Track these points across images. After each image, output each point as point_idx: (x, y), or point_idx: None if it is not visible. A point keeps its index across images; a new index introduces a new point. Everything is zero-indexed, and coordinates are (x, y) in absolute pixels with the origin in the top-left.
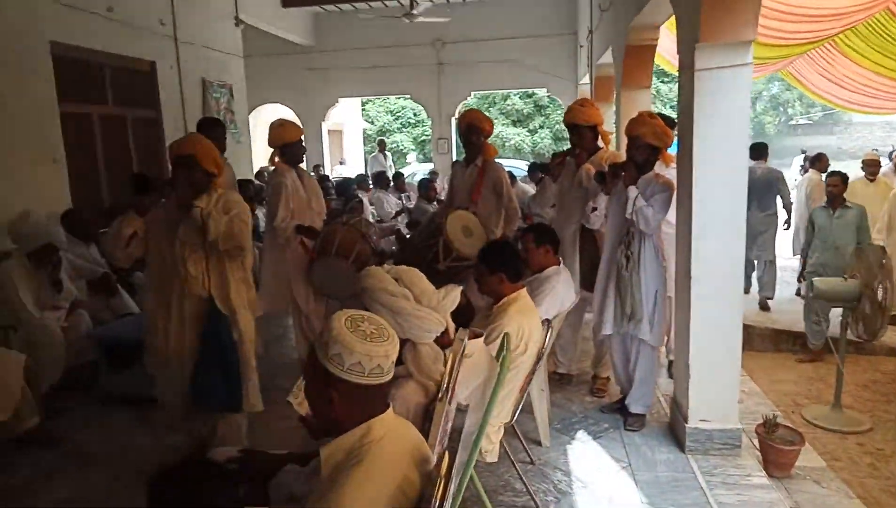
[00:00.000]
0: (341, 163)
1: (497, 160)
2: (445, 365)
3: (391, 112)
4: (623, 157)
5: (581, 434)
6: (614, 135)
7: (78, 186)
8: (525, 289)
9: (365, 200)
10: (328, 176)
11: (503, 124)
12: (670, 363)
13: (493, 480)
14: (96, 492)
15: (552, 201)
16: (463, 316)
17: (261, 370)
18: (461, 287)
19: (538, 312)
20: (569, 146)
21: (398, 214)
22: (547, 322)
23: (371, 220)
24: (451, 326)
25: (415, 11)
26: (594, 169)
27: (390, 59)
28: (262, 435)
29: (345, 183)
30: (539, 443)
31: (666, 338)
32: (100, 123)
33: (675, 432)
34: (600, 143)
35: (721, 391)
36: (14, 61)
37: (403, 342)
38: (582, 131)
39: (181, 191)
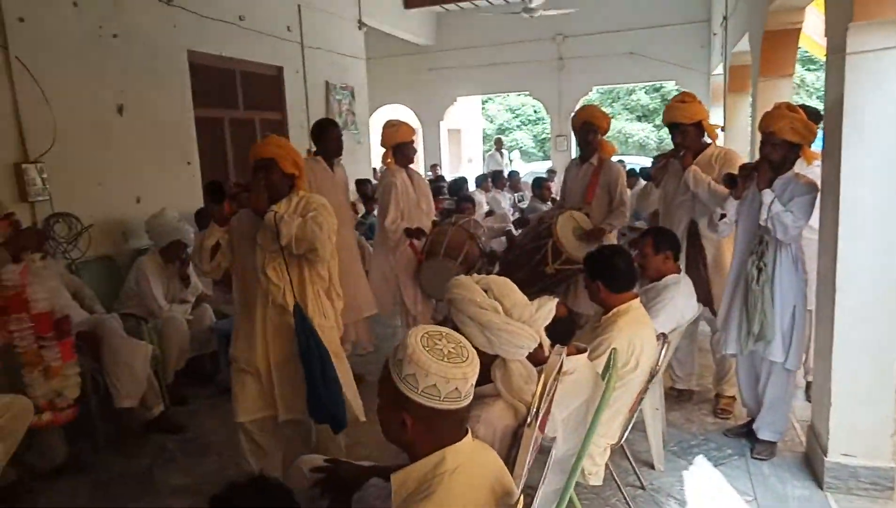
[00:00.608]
0: (469, 161)
1: (619, 157)
2: (538, 385)
3: (511, 110)
4: (737, 155)
5: (700, 460)
6: (750, 129)
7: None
8: (638, 299)
9: (482, 199)
10: (443, 176)
11: (627, 120)
12: (808, 384)
13: (597, 504)
14: (208, 482)
15: (654, 207)
16: (562, 330)
17: (366, 370)
18: (556, 300)
19: (653, 325)
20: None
21: (488, 214)
22: (663, 337)
23: (482, 220)
24: (546, 341)
25: (533, 5)
26: (719, 173)
27: (510, 55)
28: (362, 442)
29: (458, 182)
30: (651, 466)
31: (804, 356)
32: (230, 126)
33: (811, 465)
34: (707, 139)
35: (870, 421)
36: (157, 70)
37: (492, 358)
38: (685, 130)
39: (256, 196)
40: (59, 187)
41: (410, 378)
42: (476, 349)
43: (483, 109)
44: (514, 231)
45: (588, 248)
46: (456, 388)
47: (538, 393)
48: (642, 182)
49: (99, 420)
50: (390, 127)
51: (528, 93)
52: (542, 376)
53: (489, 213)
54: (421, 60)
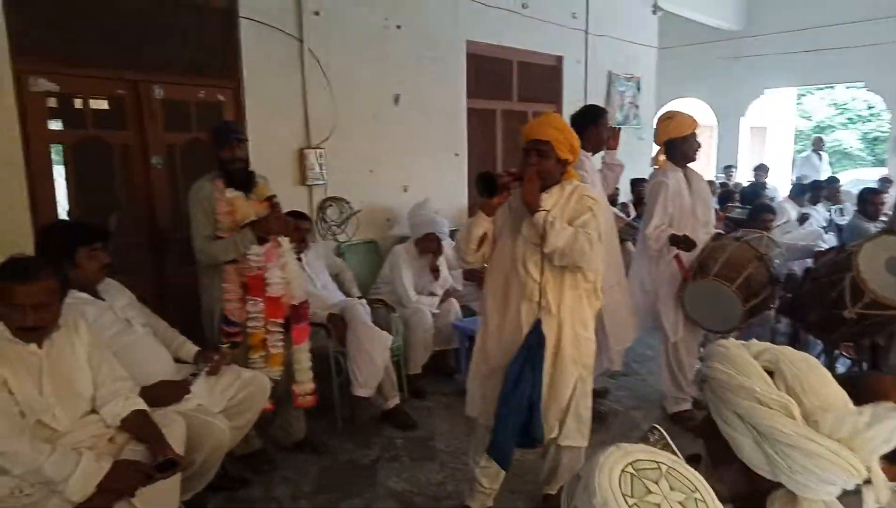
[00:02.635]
0: (757, 169)
1: None
2: None
3: (836, 105)
4: None
5: None
6: None
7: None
8: None
9: (791, 212)
10: (726, 183)
11: None
12: None
13: None
14: (423, 494)
15: None
16: None
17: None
18: None
19: None
20: None
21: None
22: None
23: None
24: (881, 476)
25: None
26: None
27: (838, 39)
28: None
29: (755, 188)
30: None
31: None
32: (502, 118)
33: None
34: None
35: None
36: (436, 60)
37: (770, 487)
38: None
39: (530, 188)
40: (334, 173)
41: None
42: (743, 467)
43: (798, 103)
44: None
45: None
46: None
47: None
48: None
49: (339, 403)
50: (665, 120)
51: (861, 84)
52: None
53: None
54: (724, 48)
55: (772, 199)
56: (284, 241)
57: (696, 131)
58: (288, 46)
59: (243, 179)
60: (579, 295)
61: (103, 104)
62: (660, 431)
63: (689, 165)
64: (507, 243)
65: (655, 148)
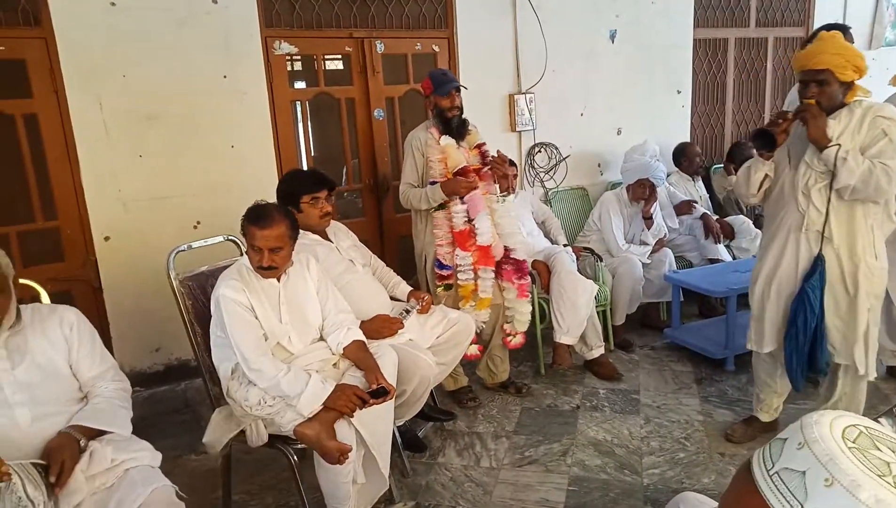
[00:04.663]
0: None
1: None
2: None
3: None
4: None
5: None
6: None
7: (701, 118)
8: None
9: None
10: None
11: None
12: None
13: None
14: (629, 440)
15: None
16: None
17: None
18: None
19: None
20: None
21: None
22: None
23: None
24: None
25: None
26: None
27: None
28: None
29: None
30: None
31: None
32: (735, 48)
33: None
34: None
35: None
36: None
37: None
38: None
39: (815, 126)
40: (543, 118)
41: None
42: None
43: None
44: None
45: None
46: None
47: None
48: None
49: (542, 348)
50: None
51: None
52: None
53: None
54: None
55: None
56: (494, 187)
57: None
58: None
59: (458, 127)
60: (871, 226)
61: (335, 63)
62: None
63: None
64: (787, 171)
65: None
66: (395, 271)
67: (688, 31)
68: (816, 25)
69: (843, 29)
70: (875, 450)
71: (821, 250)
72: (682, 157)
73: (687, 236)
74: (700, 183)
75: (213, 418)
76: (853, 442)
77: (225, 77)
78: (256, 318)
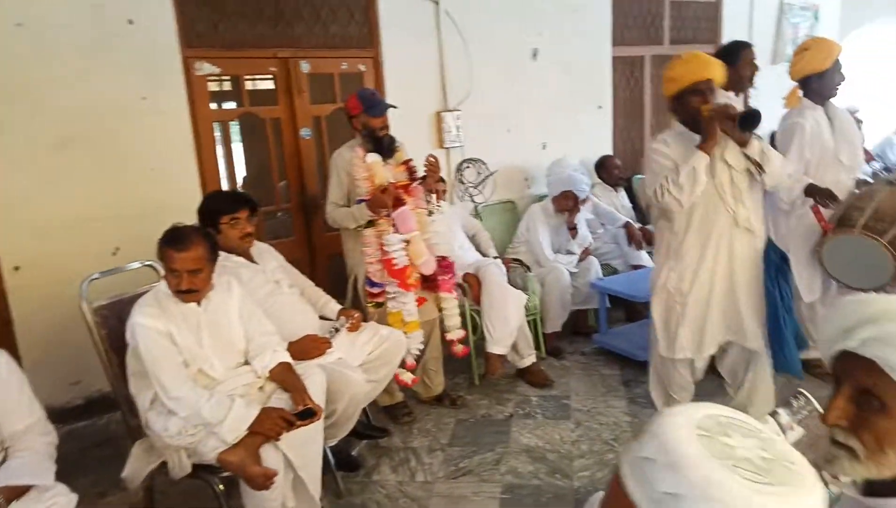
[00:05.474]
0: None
1: None
2: None
3: None
4: None
5: None
6: None
7: (622, 132)
8: None
9: None
10: None
11: None
12: None
13: None
14: (556, 451)
15: None
16: None
17: None
18: None
19: None
20: None
21: None
22: None
23: None
24: None
25: None
26: None
27: None
28: None
29: None
30: None
31: None
32: (651, 65)
33: None
34: None
35: None
36: (577, 7)
37: None
38: None
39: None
40: (471, 134)
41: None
42: None
43: None
44: None
45: None
46: None
47: None
48: None
49: (476, 359)
50: (802, 51)
51: None
52: None
53: None
54: None
55: None
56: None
57: (839, 60)
58: (424, 10)
59: (387, 145)
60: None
61: (258, 83)
62: (805, 395)
63: (829, 100)
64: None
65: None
66: (325, 290)
67: (606, 50)
68: (723, 42)
69: (748, 45)
70: (724, 437)
71: (770, 239)
72: (602, 169)
73: (611, 245)
74: (623, 193)
75: (132, 451)
76: (705, 430)
77: (144, 98)
78: (175, 344)
